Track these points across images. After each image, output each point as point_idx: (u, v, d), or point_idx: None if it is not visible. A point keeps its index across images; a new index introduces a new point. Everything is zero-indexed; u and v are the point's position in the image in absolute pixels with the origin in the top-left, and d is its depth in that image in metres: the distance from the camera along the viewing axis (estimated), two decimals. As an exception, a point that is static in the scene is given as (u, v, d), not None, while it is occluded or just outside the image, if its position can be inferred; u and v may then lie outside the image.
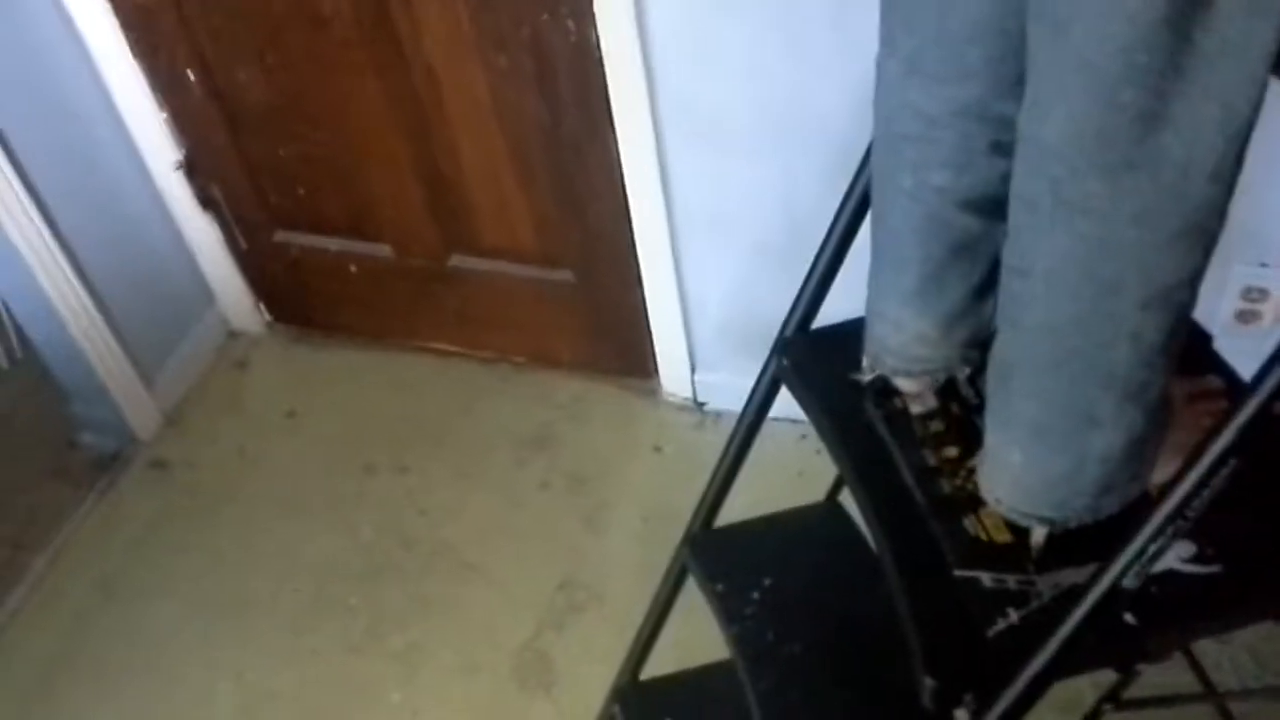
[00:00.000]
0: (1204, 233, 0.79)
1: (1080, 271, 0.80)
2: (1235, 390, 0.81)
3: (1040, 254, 0.83)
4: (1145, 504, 0.94)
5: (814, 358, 1.21)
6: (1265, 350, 0.78)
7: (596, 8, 1.73)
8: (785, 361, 1.22)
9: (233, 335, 2.60)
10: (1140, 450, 0.92)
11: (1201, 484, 0.76)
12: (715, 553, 1.38)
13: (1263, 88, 0.73)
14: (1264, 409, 0.72)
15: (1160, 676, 1.29)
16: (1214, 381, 1.07)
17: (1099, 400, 0.86)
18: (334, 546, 2.14)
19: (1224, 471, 0.76)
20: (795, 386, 1.22)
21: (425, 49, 1.94)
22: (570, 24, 1.79)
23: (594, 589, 2.00)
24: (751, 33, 1.70)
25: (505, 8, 1.82)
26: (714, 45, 1.74)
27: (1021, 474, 0.94)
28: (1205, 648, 1.47)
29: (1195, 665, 1.37)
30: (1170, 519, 0.78)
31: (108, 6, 2.07)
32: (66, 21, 2.08)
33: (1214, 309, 1.72)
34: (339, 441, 2.33)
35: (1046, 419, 0.90)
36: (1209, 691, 1.35)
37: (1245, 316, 1.72)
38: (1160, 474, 0.94)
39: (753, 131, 1.82)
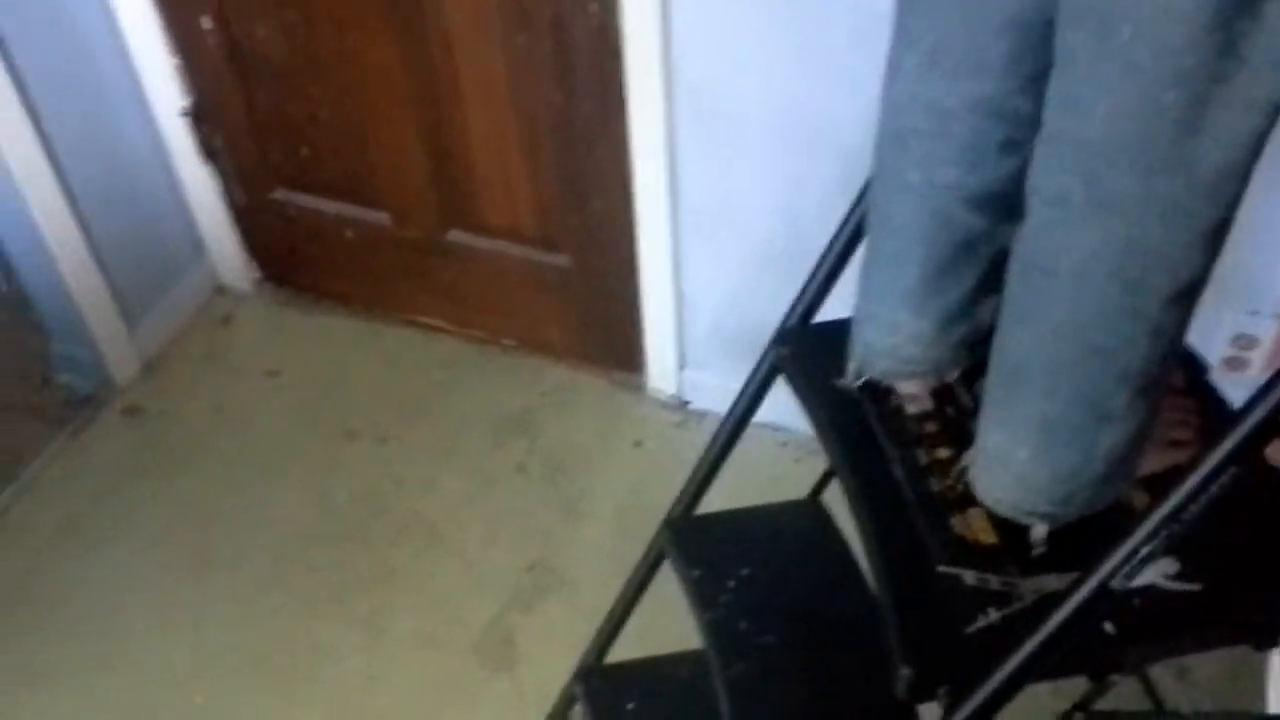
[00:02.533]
0: (1226, 227, 0.81)
1: (1108, 268, 0.82)
2: (1227, 419, 0.83)
3: (1067, 251, 0.84)
4: (1129, 514, 0.95)
5: (813, 350, 1.22)
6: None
7: (623, -7, 1.74)
8: (785, 350, 1.23)
9: (220, 290, 2.58)
10: (1142, 441, 0.93)
11: (1201, 488, 0.77)
12: (694, 539, 1.39)
13: None
14: (1271, 417, 0.73)
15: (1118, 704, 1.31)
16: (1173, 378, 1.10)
17: (1114, 395, 0.88)
18: (304, 509, 2.13)
19: (1223, 479, 0.76)
20: (793, 376, 1.22)
21: (446, 20, 1.94)
22: (594, 8, 1.80)
23: (563, 574, 2.00)
24: (775, 38, 1.71)
25: (532, -14, 1.83)
26: (735, 46, 1.75)
27: (1028, 471, 0.95)
28: (1163, 685, 1.49)
29: (1151, 691, 1.39)
30: (1166, 521, 0.79)
31: (131, -54, 2.06)
32: (88, -43, 2.07)
33: (1204, 354, 1.74)
34: (319, 405, 2.32)
35: (1059, 415, 0.91)
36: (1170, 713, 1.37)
37: (1234, 363, 1.74)
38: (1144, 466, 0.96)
39: (764, 134, 1.83)
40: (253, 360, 2.43)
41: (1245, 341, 1.72)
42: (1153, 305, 0.82)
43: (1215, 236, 0.81)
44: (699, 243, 2.03)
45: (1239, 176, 0.78)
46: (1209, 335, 1.74)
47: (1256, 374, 1.75)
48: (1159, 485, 0.92)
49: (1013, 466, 0.96)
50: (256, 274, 2.56)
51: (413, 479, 2.17)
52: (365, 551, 2.05)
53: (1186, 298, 0.84)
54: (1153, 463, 1.00)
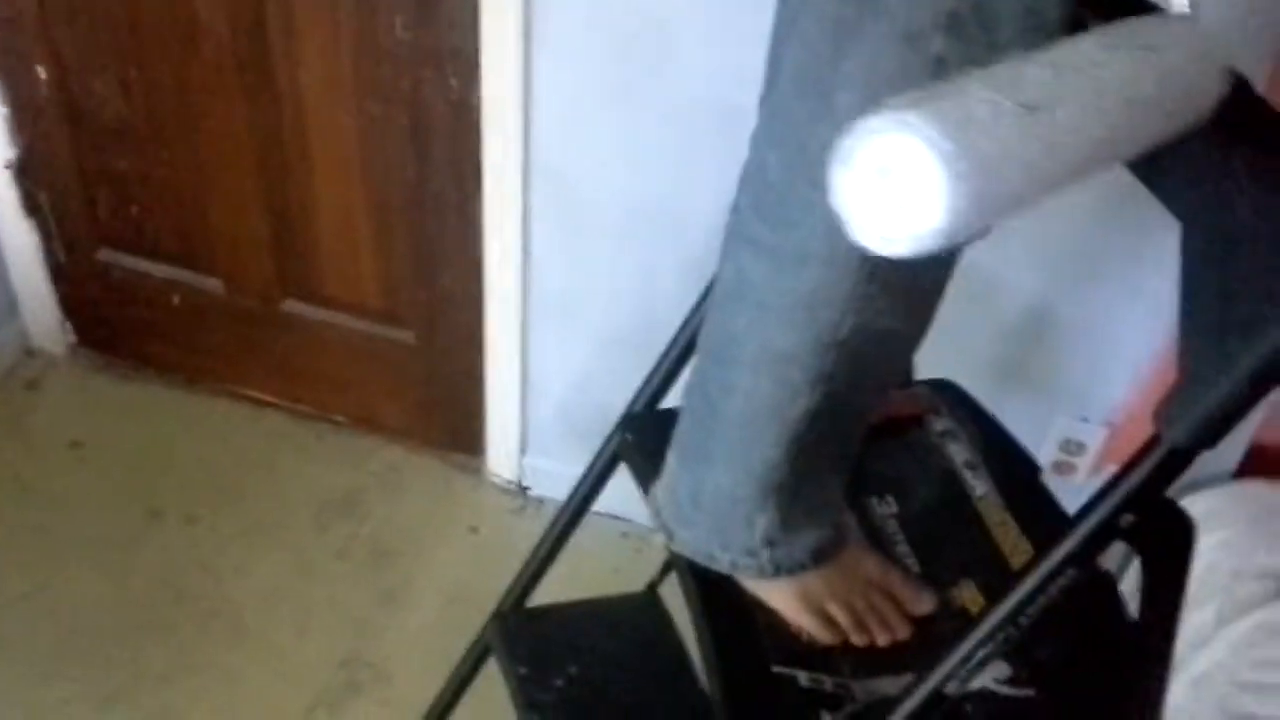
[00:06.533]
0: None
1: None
2: (1064, 525, 0.82)
3: None
4: (964, 616, 0.94)
5: (658, 437, 1.18)
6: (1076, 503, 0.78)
7: (483, 70, 1.72)
8: (629, 436, 1.19)
9: (30, 353, 2.40)
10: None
11: (1039, 590, 0.75)
12: (523, 633, 1.32)
13: None
14: (1110, 520, 0.72)
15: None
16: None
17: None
18: (101, 592, 1.95)
19: (1061, 580, 0.75)
20: (635, 463, 1.18)
21: (299, 84, 1.87)
22: (453, 83, 1.77)
23: (380, 669, 1.88)
24: (636, 123, 1.71)
25: (389, 57, 1.78)
26: (596, 133, 1.74)
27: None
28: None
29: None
30: (1004, 623, 0.77)
31: (-38, -16, 1.93)
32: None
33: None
34: (125, 481, 2.16)
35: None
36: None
37: (1060, 468, 1.78)
38: None
39: (620, 221, 1.82)
40: (58, 429, 2.25)
41: (1073, 447, 1.77)
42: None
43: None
44: (548, 326, 1.99)
45: None
46: (1039, 438, 1.78)
47: (1082, 480, 1.80)
48: (995, 588, 0.91)
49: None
50: (71, 337, 2.40)
51: (222, 564, 2.02)
52: (164, 642, 1.89)
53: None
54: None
